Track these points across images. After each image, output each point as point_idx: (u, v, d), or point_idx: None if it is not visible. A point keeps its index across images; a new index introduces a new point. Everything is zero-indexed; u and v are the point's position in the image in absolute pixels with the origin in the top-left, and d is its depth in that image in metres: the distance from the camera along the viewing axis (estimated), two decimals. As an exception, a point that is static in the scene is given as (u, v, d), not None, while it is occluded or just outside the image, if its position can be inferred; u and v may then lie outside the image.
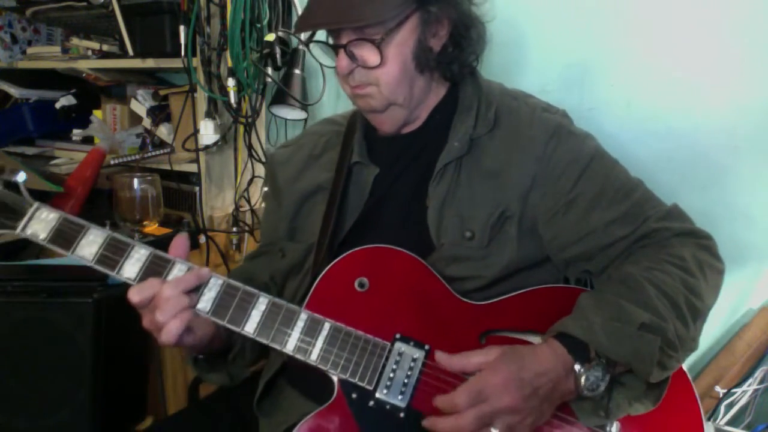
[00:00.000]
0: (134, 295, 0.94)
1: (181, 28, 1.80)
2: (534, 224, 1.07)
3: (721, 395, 1.48)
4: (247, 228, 2.00)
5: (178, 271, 0.97)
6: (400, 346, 0.97)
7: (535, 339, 0.99)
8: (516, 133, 1.09)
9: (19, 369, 1.57)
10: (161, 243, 1.78)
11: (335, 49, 1.06)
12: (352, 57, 1.04)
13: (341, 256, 1.03)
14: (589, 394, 0.89)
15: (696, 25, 1.49)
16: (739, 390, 1.48)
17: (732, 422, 1.48)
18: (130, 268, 0.97)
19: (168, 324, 0.92)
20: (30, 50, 2.36)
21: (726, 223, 1.47)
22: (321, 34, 1.14)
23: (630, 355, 0.89)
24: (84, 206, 2.00)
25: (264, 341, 0.97)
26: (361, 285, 1.01)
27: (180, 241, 1.00)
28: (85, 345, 1.55)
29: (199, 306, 0.96)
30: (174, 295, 0.93)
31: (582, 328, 0.91)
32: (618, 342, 0.89)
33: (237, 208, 2.00)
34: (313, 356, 0.96)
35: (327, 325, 0.97)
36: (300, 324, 0.97)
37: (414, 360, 0.97)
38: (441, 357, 0.94)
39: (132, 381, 1.79)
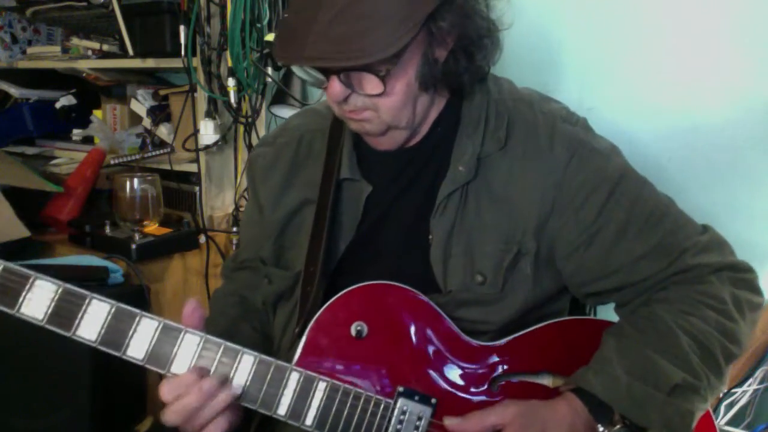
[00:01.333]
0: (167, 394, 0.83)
1: (181, 28, 1.80)
2: (551, 256, 0.96)
3: (721, 395, 1.48)
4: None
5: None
6: (404, 403, 0.87)
7: (549, 380, 0.94)
8: (531, 150, 0.95)
9: (19, 369, 1.57)
10: (161, 243, 1.81)
11: (327, 75, 0.89)
12: (347, 84, 0.87)
13: (335, 298, 0.91)
14: None
15: (696, 24, 1.49)
16: (739, 390, 1.48)
17: (732, 422, 1.48)
18: (88, 329, 0.84)
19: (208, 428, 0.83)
20: (30, 50, 2.36)
21: (726, 223, 1.45)
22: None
23: (659, 425, 0.83)
24: (84, 206, 2.01)
25: (251, 406, 0.86)
26: (359, 333, 0.90)
27: (191, 310, 0.87)
28: (86, 345, 1.55)
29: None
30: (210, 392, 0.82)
31: (606, 387, 0.84)
32: (646, 410, 0.83)
33: (237, 208, 2.00)
34: (308, 422, 0.85)
35: (322, 385, 0.86)
36: (291, 385, 0.85)
37: (419, 418, 0.87)
38: (452, 424, 0.85)
39: (132, 381, 1.79)
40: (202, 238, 1.93)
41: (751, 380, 1.48)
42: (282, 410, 0.85)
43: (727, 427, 1.41)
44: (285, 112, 1.89)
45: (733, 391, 1.48)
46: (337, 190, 1.01)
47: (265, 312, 1.13)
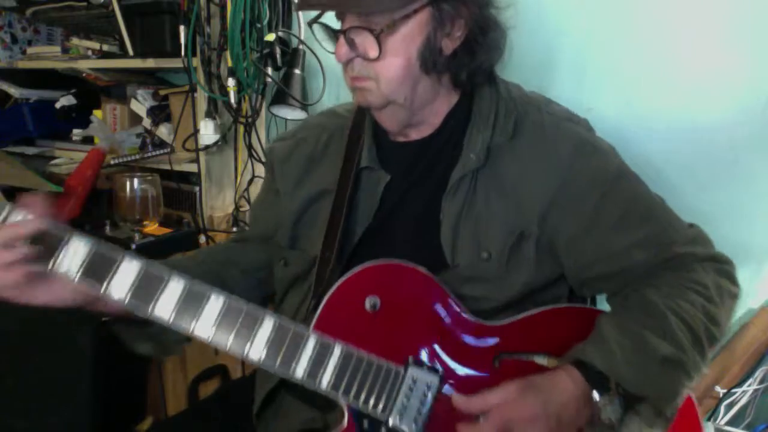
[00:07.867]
0: None
1: (181, 28, 1.80)
2: (552, 244, 1.03)
3: (721, 395, 1.48)
4: (247, 228, 1.99)
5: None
6: (413, 371, 0.93)
7: (546, 361, 0.98)
8: (537, 146, 1.03)
9: (20, 369, 1.57)
10: (161, 243, 1.81)
11: (336, 34, 0.98)
12: (351, 45, 0.96)
13: (350, 273, 0.96)
14: (606, 423, 0.89)
15: (696, 24, 1.49)
16: (739, 390, 1.48)
17: (732, 422, 1.48)
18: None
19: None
20: (30, 50, 2.37)
21: (726, 223, 1.46)
22: (327, 18, 1.06)
23: (651, 391, 0.90)
24: (84, 206, 2.00)
25: (270, 369, 0.90)
26: (373, 306, 0.95)
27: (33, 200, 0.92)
28: (85, 345, 1.56)
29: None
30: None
31: (604, 359, 0.89)
32: (640, 377, 0.89)
33: (237, 208, 2.00)
34: (323, 384, 0.90)
35: (338, 350, 0.91)
36: (309, 349, 0.90)
37: (428, 386, 0.93)
38: (459, 400, 0.90)
39: (132, 381, 1.79)
40: (202, 239, 1.93)
41: (751, 380, 1.48)
42: (299, 373, 0.90)
43: (727, 427, 1.41)
44: (285, 112, 1.89)
45: (733, 391, 1.48)
46: (356, 179, 1.08)
47: (245, 279, 1.18)
